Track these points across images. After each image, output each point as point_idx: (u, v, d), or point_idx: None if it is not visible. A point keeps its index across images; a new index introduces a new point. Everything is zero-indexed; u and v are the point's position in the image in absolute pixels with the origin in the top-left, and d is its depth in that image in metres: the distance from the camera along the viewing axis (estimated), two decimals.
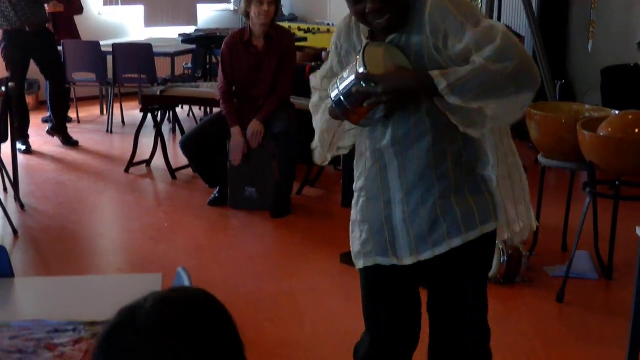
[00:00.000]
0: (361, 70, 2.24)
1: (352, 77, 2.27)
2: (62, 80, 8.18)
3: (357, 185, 2.58)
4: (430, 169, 2.39)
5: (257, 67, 5.85)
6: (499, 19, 7.79)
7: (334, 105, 2.36)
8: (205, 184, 6.27)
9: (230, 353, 1.21)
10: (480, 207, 2.43)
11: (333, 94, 2.34)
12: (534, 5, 7.70)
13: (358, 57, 2.28)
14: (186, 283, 2.19)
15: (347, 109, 2.31)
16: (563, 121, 4.72)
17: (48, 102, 8.13)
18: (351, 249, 2.65)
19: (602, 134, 4.38)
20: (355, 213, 2.61)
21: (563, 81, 7.55)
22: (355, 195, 2.60)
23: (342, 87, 2.31)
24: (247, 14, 5.83)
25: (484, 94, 2.17)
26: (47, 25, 7.92)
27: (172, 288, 1.35)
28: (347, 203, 5.99)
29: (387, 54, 2.30)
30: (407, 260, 2.47)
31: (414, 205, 2.43)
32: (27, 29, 7.52)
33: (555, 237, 5.25)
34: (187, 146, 5.98)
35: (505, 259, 4.58)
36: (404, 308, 2.61)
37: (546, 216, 5.21)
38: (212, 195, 6.14)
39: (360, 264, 2.59)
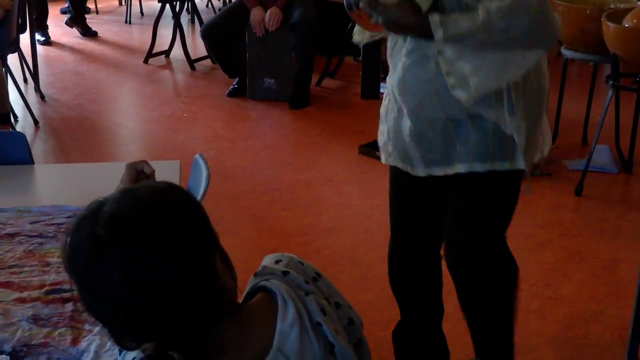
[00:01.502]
0: None
1: None
2: None
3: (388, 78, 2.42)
4: (435, 95, 2.21)
5: None
6: None
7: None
8: (224, 75, 6.24)
9: (192, 246, 1.21)
10: (497, 142, 2.25)
11: None
12: None
13: None
14: (203, 169, 2.20)
15: (354, 12, 2.15)
16: (587, 12, 4.62)
17: None
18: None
19: (627, 25, 4.30)
20: (383, 107, 2.50)
21: None
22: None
23: None
24: None
25: (483, 50, 2.09)
26: None
27: (141, 183, 1.35)
28: (366, 94, 5.99)
29: None
30: (420, 172, 2.37)
31: (422, 127, 2.28)
32: None
33: (576, 130, 5.22)
34: (207, 34, 5.92)
35: None
36: (425, 209, 2.52)
37: (567, 109, 5.17)
38: (231, 86, 6.12)
39: (383, 158, 2.51)
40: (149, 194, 1.22)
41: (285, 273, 1.36)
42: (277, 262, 1.41)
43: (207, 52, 6.49)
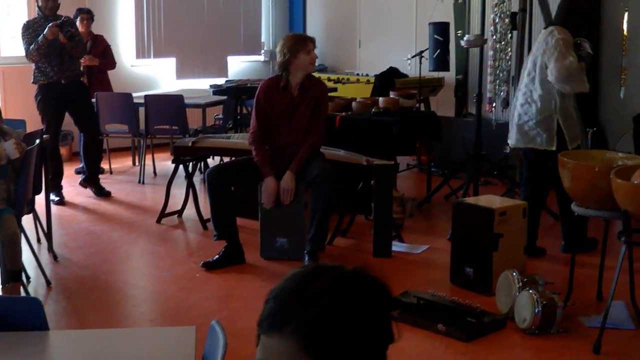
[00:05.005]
0: None
1: None
2: (96, 132, 8.24)
3: None
4: None
5: (290, 114, 5.82)
6: None
7: None
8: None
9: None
10: None
11: None
12: None
13: None
14: (220, 336, 2.18)
15: None
16: (596, 169, 4.68)
17: (81, 153, 8.20)
18: None
19: (636, 182, 4.35)
20: None
21: (595, 129, 7.52)
22: None
23: None
24: (287, 66, 5.79)
25: None
26: (81, 79, 8.02)
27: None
28: (378, 253, 5.98)
29: None
30: None
31: None
32: (63, 82, 7.63)
33: (591, 286, 5.19)
34: (214, 174, 5.84)
35: (540, 309, 4.52)
36: None
37: (581, 265, 5.16)
38: (216, 256, 5.88)
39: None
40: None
41: None
42: None
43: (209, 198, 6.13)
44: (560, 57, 5.64)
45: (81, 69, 8.09)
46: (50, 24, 7.40)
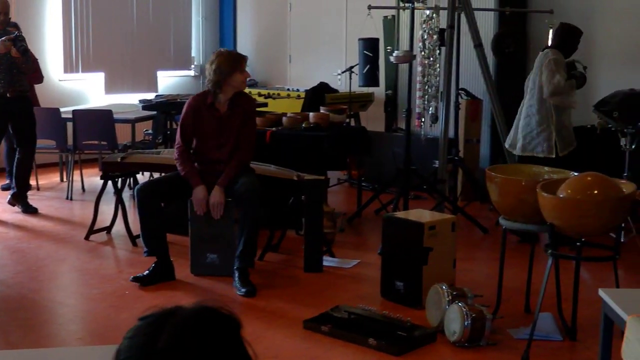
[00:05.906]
0: None
1: None
2: (33, 149, 8.06)
3: None
4: None
5: (219, 130, 5.78)
6: (457, 83, 7.90)
7: None
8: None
9: None
10: None
11: None
12: (491, 69, 7.83)
13: None
14: None
15: None
16: (523, 183, 4.76)
17: (14, 169, 7.98)
18: None
19: (561, 195, 4.43)
20: None
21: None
22: None
23: None
24: (220, 85, 5.71)
25: None
26: (27, 94, 7.87)
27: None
28: (309, 268, 5.99)
29: None
30: None
31: None
32: (8, 96, 7.50)
33: (518, 299, 5.26)
34: (143, 190, 5.80)
35: (469, 322, 4.57)
36: None
37: (508, 278, 5.23)
38: (146, 271, 5.84)
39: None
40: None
41: None
42: None
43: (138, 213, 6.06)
44: (551, 75, 6.60)
45: (27, 84, 7.93)
46: (3, 38, 7.30)
